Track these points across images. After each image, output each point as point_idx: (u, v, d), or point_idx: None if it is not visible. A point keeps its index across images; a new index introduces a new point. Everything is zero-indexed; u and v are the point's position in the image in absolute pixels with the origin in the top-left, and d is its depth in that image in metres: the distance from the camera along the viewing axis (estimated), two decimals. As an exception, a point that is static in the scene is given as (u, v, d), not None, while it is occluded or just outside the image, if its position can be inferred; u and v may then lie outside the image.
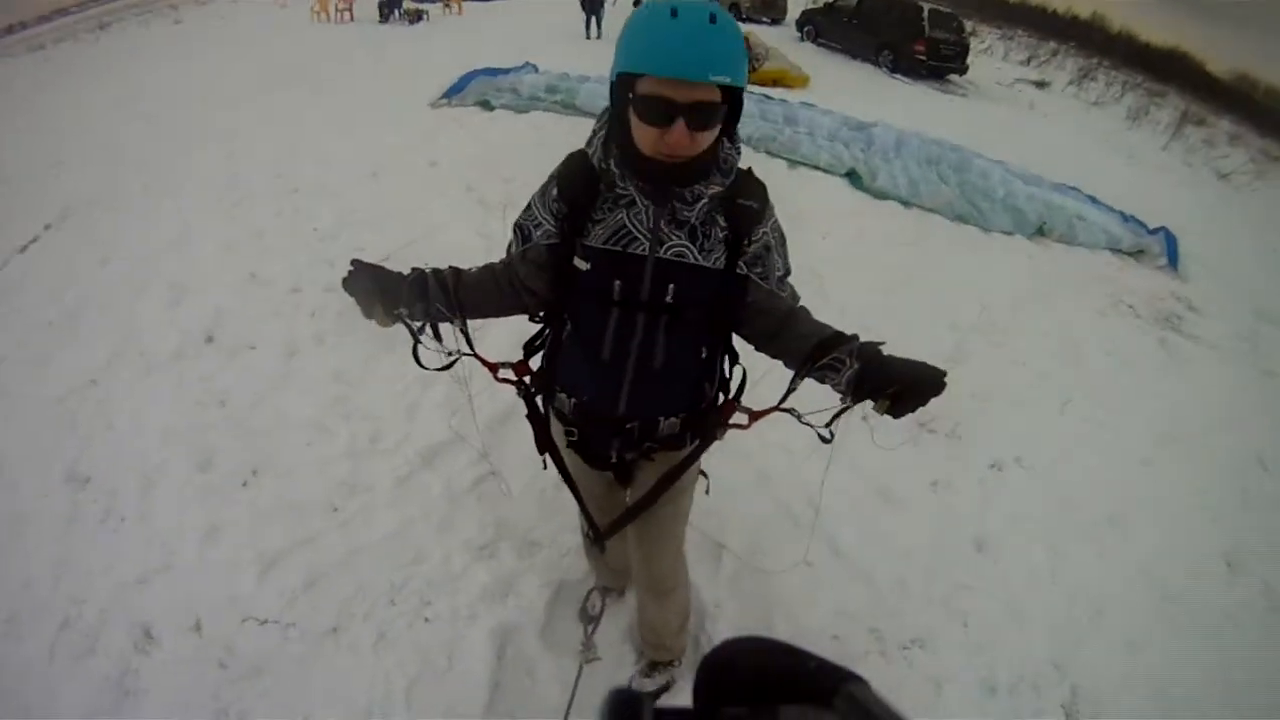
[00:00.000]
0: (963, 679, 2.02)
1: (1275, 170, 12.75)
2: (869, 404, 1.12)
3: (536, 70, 7.96)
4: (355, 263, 1.23)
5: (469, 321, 1.29)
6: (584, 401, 1.29)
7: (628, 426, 1.28)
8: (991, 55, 19.66)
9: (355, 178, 4.94)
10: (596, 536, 1.55)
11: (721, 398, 1.36)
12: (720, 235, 1.13)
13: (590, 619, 1.95)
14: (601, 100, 1.09)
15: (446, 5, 15.17)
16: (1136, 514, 2.75)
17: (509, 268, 1.27)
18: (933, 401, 1.08)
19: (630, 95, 1.01)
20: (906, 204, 5.63)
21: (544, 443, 1.41)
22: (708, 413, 1.33)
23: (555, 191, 1.16)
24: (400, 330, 1.26)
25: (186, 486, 2.36)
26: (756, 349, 1.27)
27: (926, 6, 12.93)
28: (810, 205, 5.07)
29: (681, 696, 1.83)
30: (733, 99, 1.04)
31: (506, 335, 1.87)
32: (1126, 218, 6.37)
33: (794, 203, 4.86)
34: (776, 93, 8.53)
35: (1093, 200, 6.62)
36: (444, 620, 1.96)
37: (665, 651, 1.84)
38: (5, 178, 5.16)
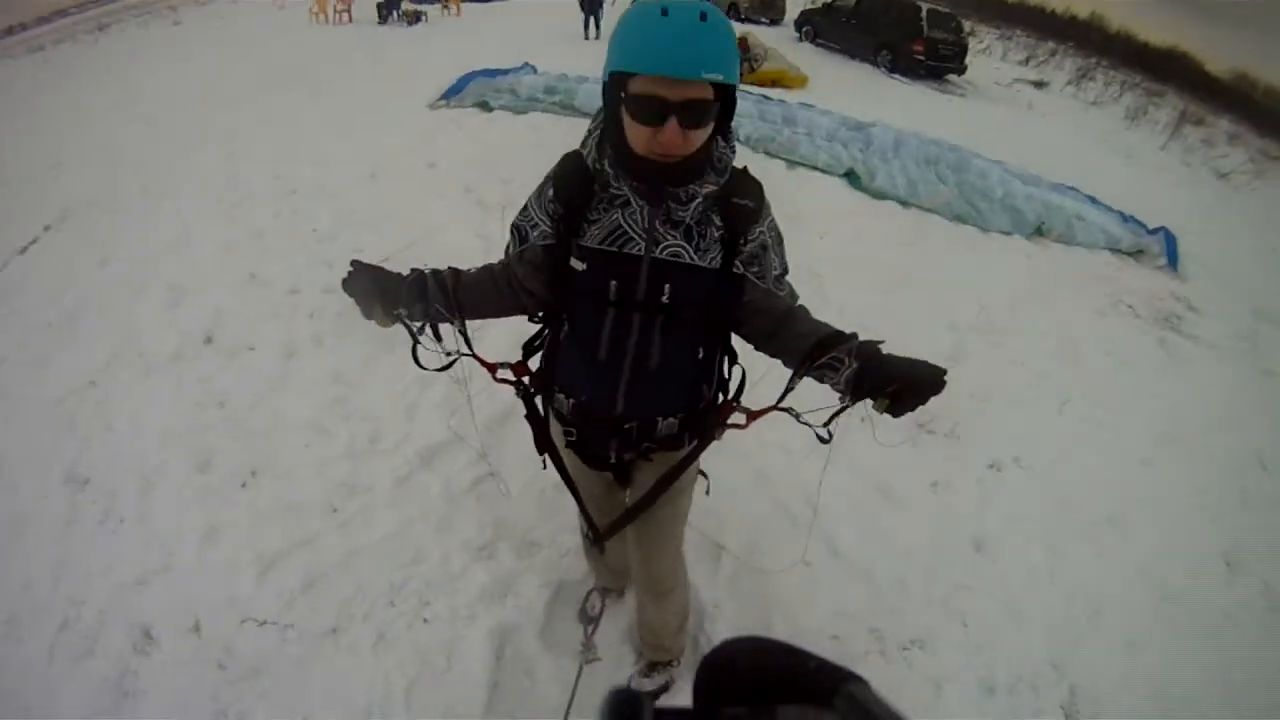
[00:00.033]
0: (962, 679, 2.02)
1: (1274, 170, 12.75)
2: (868, 403, 1.12)
3: (535, 71, 7.96)
4: (355, 264, 1.23)
5: (468, 322, 1.29)
6: (582, 402, 1.29)
7: (625, 427, 1.28)
8: (990, 55, 19.67)
9: (354, 179, 4.94)
10: (596, 537, 1.55)
11: (720, 398, 1.36)
12: (716, 235, 1.13)
13: (590, 619, 1.95)
14: (600, 101, 1.09)
15: (445, 6, 15.16)
16: (1135, 514, 2.75)
17: (507, 268, 1.27)
18: (932, 401, 1.07)
19: (623, 95, 1.01)
20: (905, 204, 5.64)
21: (543, 443, 1.41)
22: (706, 413, 1.33)
23: (551, 192, 1.16)
24: (399, 331, 1.26)
25: (185, 488, 2.36)
26: (756, 348, 1.27)
27: (925, 6, 12.93)
28: (809, 205, 5.07)
29: (681, 696, 1.83)
30: (725, 97, 1.04)
31: (506, 335, 1.86)
32: (1125, 218, 6.37)
33: (792, 203, 4.86)
34: (775, 93, 8.54)
35: (1091, 200, 6.63)
36: (443, 621, 1.96)
37: (664, 652, 1.84)
38: (5, 179, 5.16)
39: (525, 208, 1.22)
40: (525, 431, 1.41)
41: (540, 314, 1.32)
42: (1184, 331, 4.56)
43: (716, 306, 1.19)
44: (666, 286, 1.13)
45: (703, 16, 0.95)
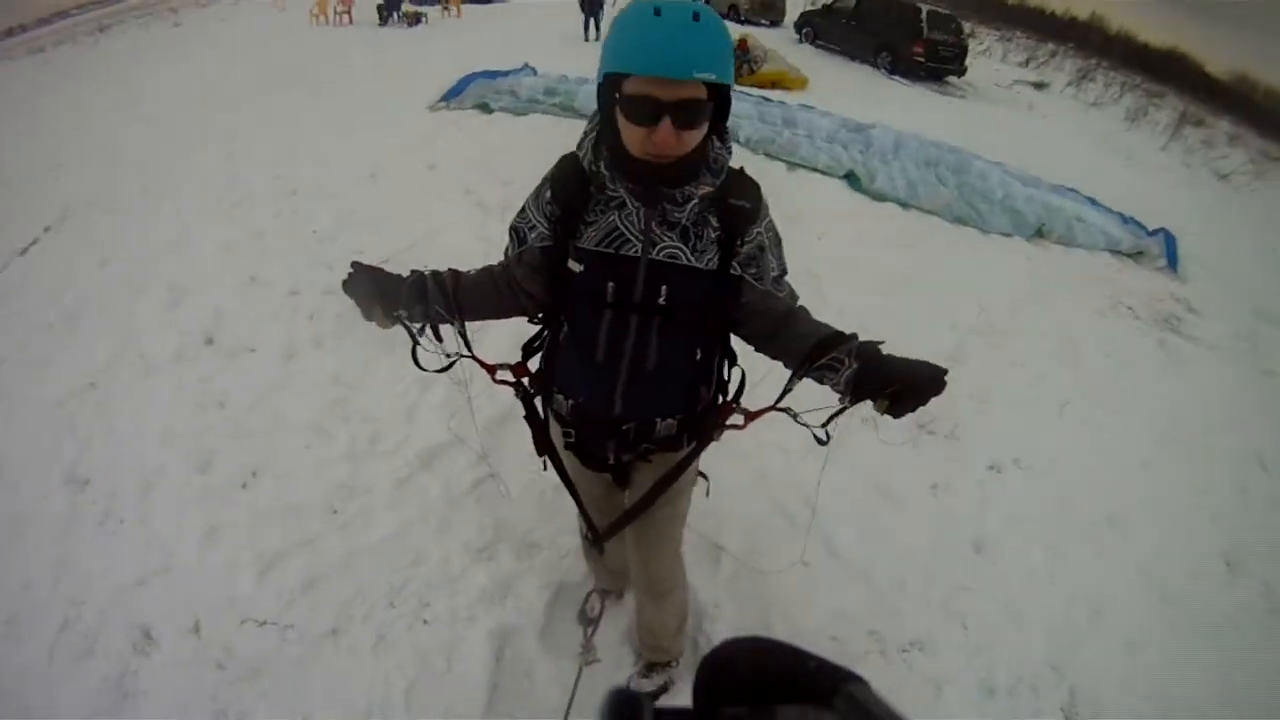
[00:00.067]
0: (962, 681, 2.02)
1: (1274, 171, 12.75)
2: (868, 404, 1.11)
3: (535, 73, 7.97)
4: (355, 265, 1.24)
5: (468, 323, 1.29)
6: (580, 403, 1.29)
7: (624, 428, 1.28)
8: (990, 56, 19.69)
9: (354, 180, 4.95)
10: (595, 538, 1.55)
11: (720, 399, 1.36)
12: (713, 236, 1.13)
13: (589, 621, 1.95)
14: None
15: (445, 8, 15.17)
16: (1135, 515, 2.75)
17: (506, 270, 1.27)
18: (932, 402, 1.07)
19: (617, 96, 1.01)
20: (905, 205, 5.64)
21: (542, 444, 1.41)
22: (705, 414, 1.33)
23: (548, 194, 1.16)
24: (399, 332, 1.26)
25: (185, 488, 2.36)
26: (756, 350, 1.27)
27: (925, 8, 12.95)
28: (809, 207, 5.08)
29: (679, 698, 1.83)
30: (720, 97, 1.04)
31: (506, 337, 1.86)
32: (1125, 219, 6.37)
33: (793, 204, 4.87)
34: (775, 95, 8.55)
35: (1091, 201, 6.63)
36: (443, 622, 1.95)
37: (663, 653, 1.84)
38: (5, 180, 5.16)
39: (523, 210, 1.22)
40: (525, 433, 1.41)
41: (540, 315, 1.32)
42: (1184, 333, 4.56)
43: (714, 308, 1.18)
44: (663, 288, 1.13)
45: (695, 16, 0.95)
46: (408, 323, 1.24)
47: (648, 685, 1.84)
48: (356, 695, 1.78)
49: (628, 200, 1.10)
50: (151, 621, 1.94)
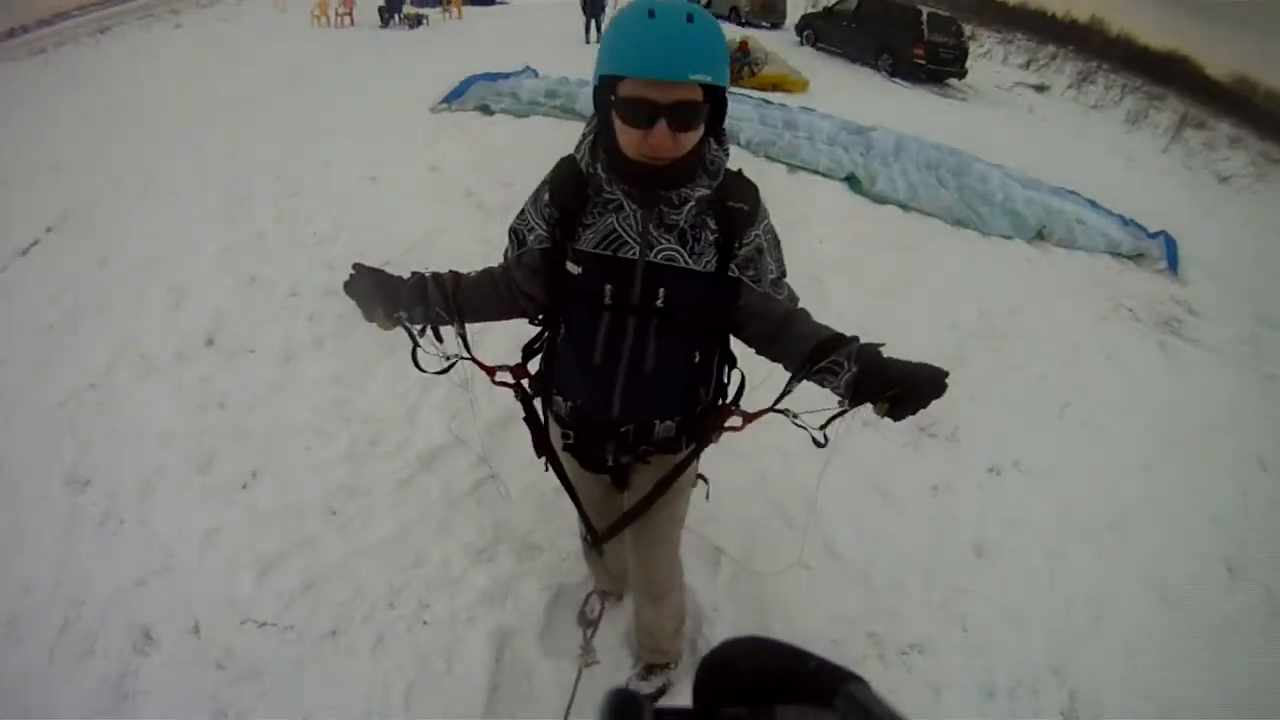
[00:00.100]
0: (962, 683, 2.01)
1: (1275, 173, 12.75)
2: (868, 407, 1.11)
3: (536, 75, 7.97)
4: (356, 266, 1.24)
5: (469, 325, 1.29)
6: (578, 404, 1.29)
7: (622, 430, 1.28)
8: (990, 59, 19.71)
9: (355, 181, 4.95)
10: (594, 540, 1.55)
11: (719, 401, 1.36)
12: (711, 238, 1.13)
13: (589, 623, 1.95)
14: (597, 105, 1.09)
15: (446, 10, 15.21)
16: (1136, 517, 2.75)
17: (506, 272, 1.27)
18: (933, 404, 1.07)
19: (612, 98, 1.01)
20: (905, 208, 5.63)
21: (542, 446, 1.41)
22: (703, 416, 1.33)
23: (547, 196, 1.16)
24: (400, 334, 1.27)
25: (186, 489, 2.36)
26: (757, 352, 1.27)
27: (925, 10, 12.97)
28: (809, 209, 5.08)
29: (677, 700, 1.82)
30: (716, 99, 1.04)
31: (506, 338, 1.87)
32: (1126, 221, 6.37)
33: (793, 207, 4.87)
34: (776, 97, 8.53)
35: (1092, 204, 6.62)
36: (443, 623, 1.95)
37: (661, 655, 1.84)
38: (5, 180, 5.17)
39: (522, 212, 1.22)
40: (526, 434, 1.42)
41: (540, 317, 1.33)
42: (1185, 335, 4.55)
43: (712, 310, 1.18)
44: (661, 290, 1.13)
45: (689, 18, 0.95)
46: (408, 324, 1.24)
47: (646, 687, 1.84)
48: (356, 696, 1.78)
49: (625, 202, 1.10)
50: (151, 622, 1.94)
